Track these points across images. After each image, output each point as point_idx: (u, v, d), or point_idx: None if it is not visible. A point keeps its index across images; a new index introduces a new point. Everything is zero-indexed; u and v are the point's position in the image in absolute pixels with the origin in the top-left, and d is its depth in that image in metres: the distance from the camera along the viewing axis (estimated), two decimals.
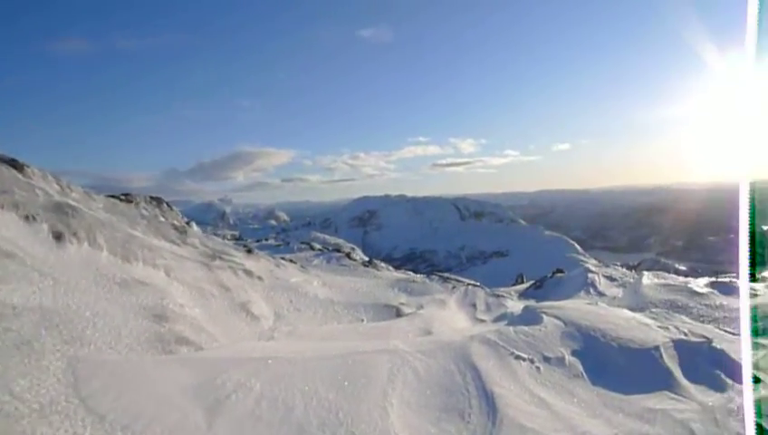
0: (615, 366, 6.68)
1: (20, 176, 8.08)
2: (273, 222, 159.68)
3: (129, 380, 4.17)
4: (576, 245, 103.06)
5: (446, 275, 16.03)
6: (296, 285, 10.97)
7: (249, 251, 12.24)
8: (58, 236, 6.56)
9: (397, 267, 20.18)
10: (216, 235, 23.40)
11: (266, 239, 23.15)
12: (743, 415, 4.99)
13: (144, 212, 10.89)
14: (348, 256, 16.64)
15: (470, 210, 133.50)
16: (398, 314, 10.71)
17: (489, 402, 5.46)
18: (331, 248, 18.90)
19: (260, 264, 11.52)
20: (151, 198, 12.37)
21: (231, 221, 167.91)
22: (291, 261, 13.76)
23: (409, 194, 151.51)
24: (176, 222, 11.31)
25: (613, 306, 10.72)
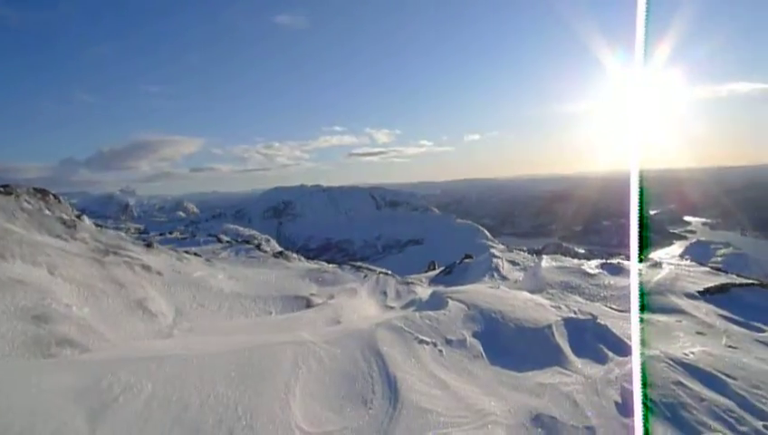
0: (512, 345, 7.05)
1: None
2: (181, 214, 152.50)
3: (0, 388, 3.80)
4: (486, 231, 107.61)
5: (358, 264, 16.11)
6: (200, 279, 10.55)
7: (149, 245, 11.59)
8: None
9: (313, 258, 19.99)
10: (118, 229, 21.93)
11: (171, 233, 22.02)
12: (620, 384, 5.44)
13: (26, 205, 9.95)
14: (258, 247, 16.24)
15: (386, 199, 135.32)
16: (309, 304, 10.63)
17: (392, 387, 5.55)
18: (239, 240, 18.34)
19: (160, 258, 10.95)
20: (35, 189, 11.33)
21: (135, 214, 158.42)
22: (195, 254, 13.20)
23: (325, 184, 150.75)
24: (64, 215, 10.44)
25: (514, 289, 11.27)
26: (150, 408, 4.30)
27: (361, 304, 11.32)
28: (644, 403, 4.90)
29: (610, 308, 9.83)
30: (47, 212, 10.28)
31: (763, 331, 8.53)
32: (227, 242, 16.87)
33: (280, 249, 18.68)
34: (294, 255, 16.80)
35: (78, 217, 11.17)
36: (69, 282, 7.23)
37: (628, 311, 9.56)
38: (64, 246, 8.80)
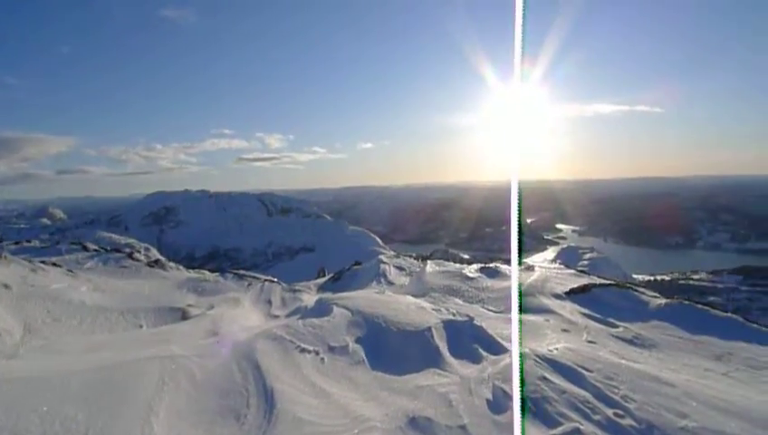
0: (393, 349, 7.07)
1: None
2: (45, 221, 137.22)
3: None
4: (377, 238, 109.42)
5: (241, 272, 15.46)
6: (58, 291, 9.48)
7: None
8: None
9: (198, 267, 18.91)
10: None
11: (28, 241, 19.67)
12: (492, 382, 5.65)
13: None
14: (130, 256, 14.98)
15: (277, 206, 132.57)
16: (185, 316, 9.98)
17: (268, 400, 5.31)
18: (109, 248, 16.85)
19: (9, 269, 9.70)
20: None
21: None
22: (55, 265, 11.87)
23: (212, 189, 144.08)
24: None
25: (399, 294, 11.44)
26: None
27: (243, 313, 10.85)
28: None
29: (487, 310, 10.30)
30: None
31: (618, 326, 9.40)
32: (95, 250, 15.37)
33: (156, 258, 17.44)
34: (172, 263, 15.75)
35: None
36: None
37: (504, 312, 10.09)
38: None
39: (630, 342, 8.60)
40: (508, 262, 15.03)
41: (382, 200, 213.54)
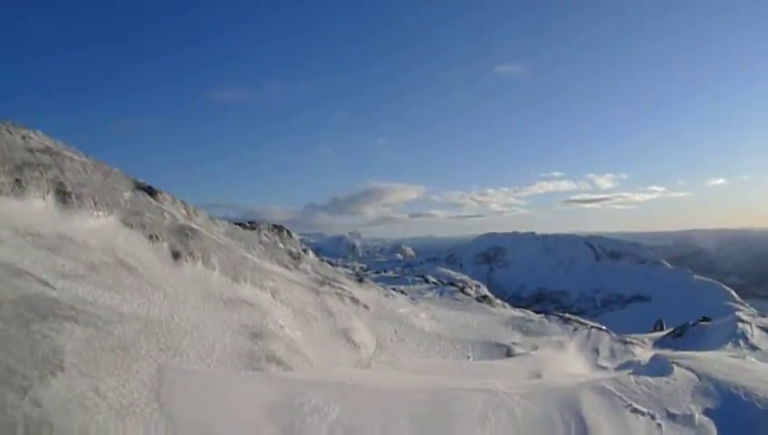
0: (758, 431, 5.59)
1: (152, 200, 9.07)
2: (399, 256, 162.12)
3: (210, 391, 4.30)
4: (732, 291, 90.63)
5: (566, 315, 14.89)
6: (403, 315, 10.87)
7: (360, 280, 12.43)
8: (176, 255, 7.22)
9: (524, 307, 19.31)
10: (345, 267, 24.31)
11: (385, 271, 23.56)
12: None
13: (264, 238, 11.60)
14: (462, 290, 16.20)
15: (606, 249, 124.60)
16: (509, 353, 10.12)
17: None
18: (445, 282, 18.60)
19: (369, 293, 11.62)
20: (274, 225, 13.18)
21: (360, 254, 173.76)
22: (402, 292, 13.72)
23: (539, 231, 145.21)
24: (293, 249, 11.88)
25: (767, 362, 9.13)
26: (334, 433, 4.40)
27: (568, 359, 10.36)
28: None
29: None
30: (280, 245, 11.81)
31: None
32: (433, 283, 17.24)
33: (484, 293, 18.39)
34: (498, 301, 16.34)
35: (304, 250, 12.57)
36: (286, 306, 8.08)
37: None
38: (288, 274, 9.94)
39: None
40: None
41: (738, 245, 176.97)
